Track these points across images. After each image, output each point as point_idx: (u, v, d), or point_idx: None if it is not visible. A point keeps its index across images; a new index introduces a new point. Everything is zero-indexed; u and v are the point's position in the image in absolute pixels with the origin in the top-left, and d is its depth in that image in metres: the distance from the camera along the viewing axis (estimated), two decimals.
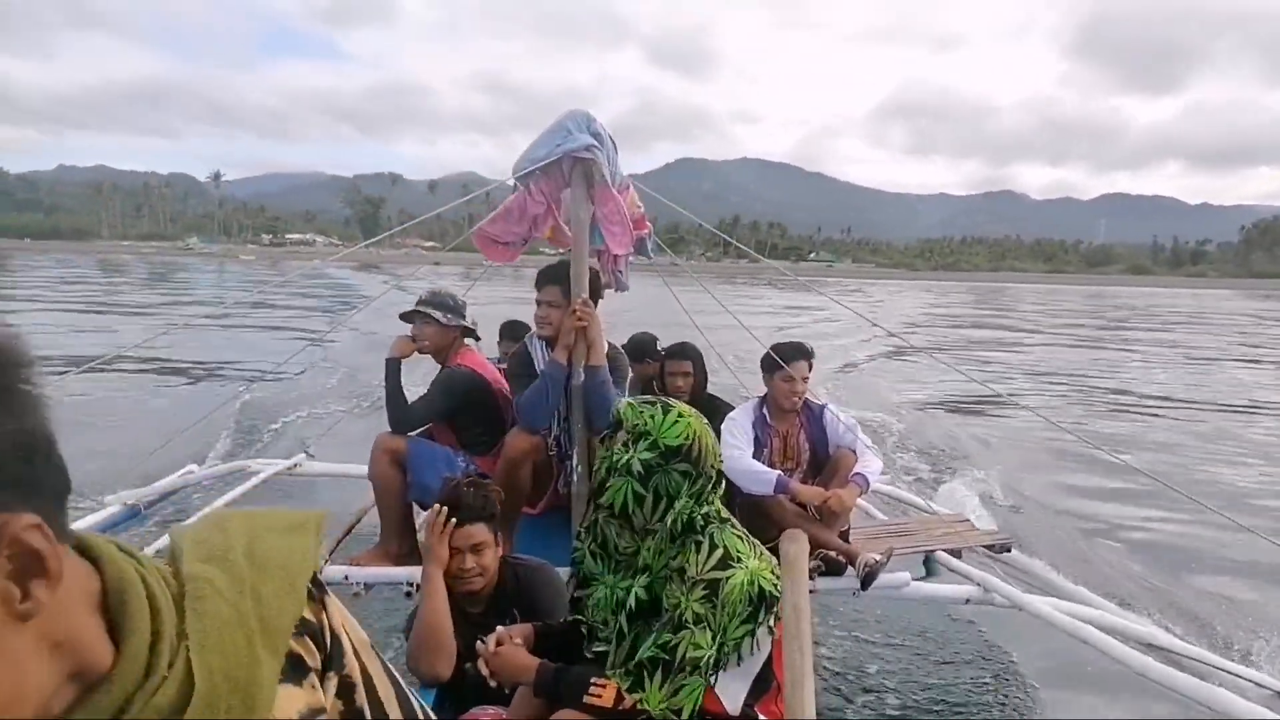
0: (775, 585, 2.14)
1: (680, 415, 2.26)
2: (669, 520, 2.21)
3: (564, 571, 3.10)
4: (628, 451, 2.22)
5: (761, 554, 2.25)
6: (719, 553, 2.18)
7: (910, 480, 6.70)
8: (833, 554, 4.19)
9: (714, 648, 2.11)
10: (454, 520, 2.70)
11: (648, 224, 4.14)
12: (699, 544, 2.20)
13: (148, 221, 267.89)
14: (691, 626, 2.12)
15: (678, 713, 2.10)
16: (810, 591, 4.12)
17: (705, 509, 2.25)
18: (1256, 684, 3.51)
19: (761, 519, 4.13)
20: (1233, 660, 3.84)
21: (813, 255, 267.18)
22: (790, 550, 1.99)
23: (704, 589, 2.14)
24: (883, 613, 4.81)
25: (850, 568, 4.19)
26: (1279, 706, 3.27)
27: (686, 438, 2.21)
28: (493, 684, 2.56)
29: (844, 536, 4.43)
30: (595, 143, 3.69)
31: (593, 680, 2.18)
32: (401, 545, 4.18)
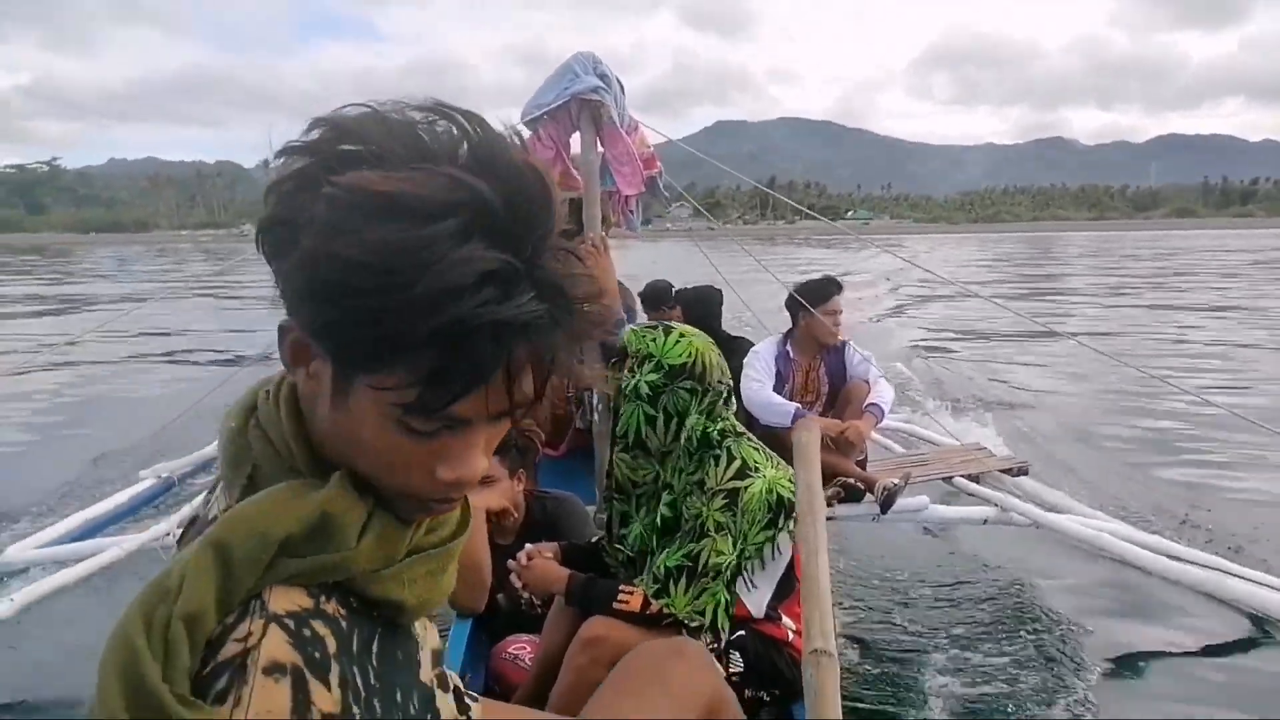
0: (793, 492, 2.17)
1: (682, 335, 2.29)
2: (683, 437, 2.26)
3: (590, 508, 3.17)
4: (634, 376, 2.26)
5: (779, 464, 2.28)
6: (737, 463, 2.22)
7: (934, 415, 6.65)
8: (851, 481, 4.23)
9: (736, 554, 2.17)
10: None
11: (658, 163, 4.15)
12: (717, 457, 2.24)
13: (201, 210, 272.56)
14: (713, 535, 2.16)
15: (702, 614, 2.15)
16: (830, 519, 4.18)
17: (720, 424, 2.29)
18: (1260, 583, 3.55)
19: (779, 451, 4.16)
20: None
21: (849, 213, 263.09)
22: (803, 437, 2.01)
23: (724, 498, 2.19)
24: (903, 541, 4.83)
25: (869, 494, 4.23)
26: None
27: (689, 355, 2.25)
28: (524, 598, 2.64)
29: (862, 467, 4.47)
30: (602, 84, 3.68)
31: (620, 587, 2.22)
32: None
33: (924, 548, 4.79)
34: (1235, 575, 3.67)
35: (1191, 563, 3.77)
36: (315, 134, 0.69)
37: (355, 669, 0.69)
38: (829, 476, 4.24)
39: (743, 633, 2.27)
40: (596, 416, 4.03)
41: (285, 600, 0.68)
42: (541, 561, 2.44)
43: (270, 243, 0.69)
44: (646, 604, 2.17)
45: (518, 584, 2.45)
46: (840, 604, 4.10)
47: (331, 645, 0.68)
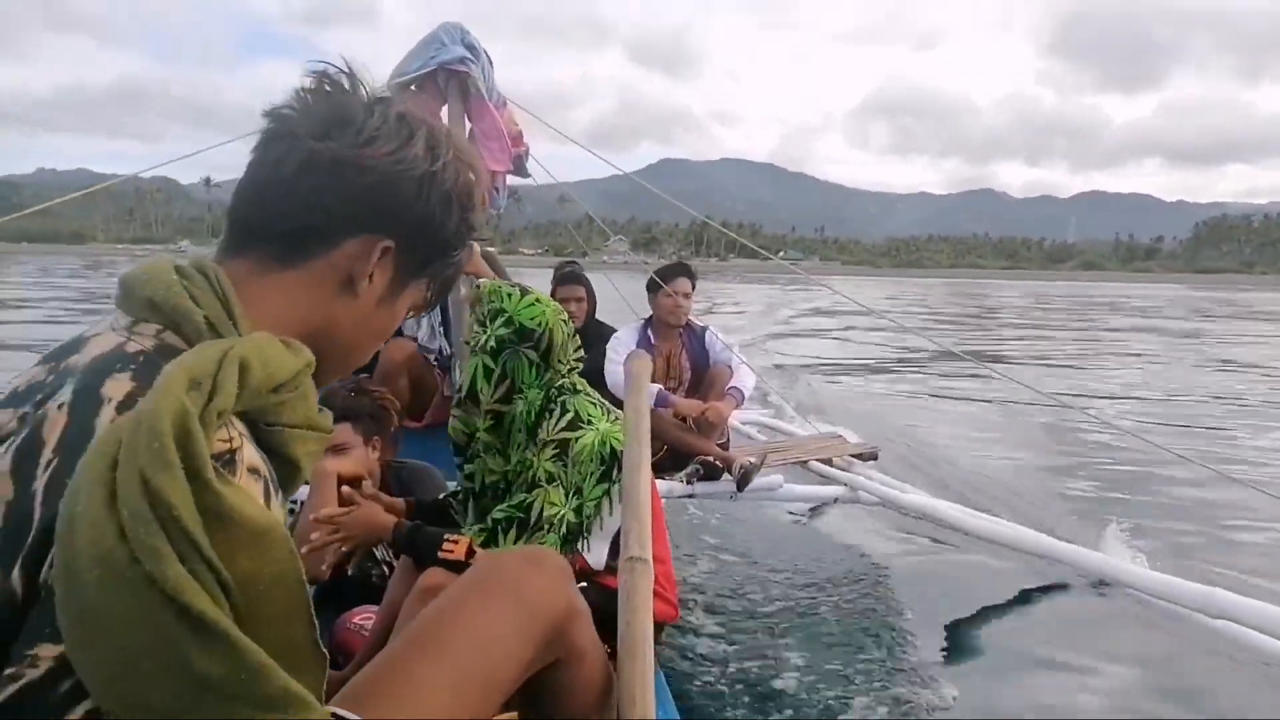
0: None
1: (538, 300, 2.25)
2: (521, 411, 2.20)
3: (451, 485, 3.09)
4: (484, 331, 2.22)
5: (615, 418, 2.22)
6: (569, 415, 2.17)
7: (795, 412, 6.83)
8: (710, 459, 4.26)
9: (569, 507, 2.11)
10: None
11: (525, 142, 4.15)
12: (550, 410, 2.20)
13: (139, 225, 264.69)
14: (545, 485, 2.11)
15: None
16: (689, 495, 4.23)
17: (560, 382, 2.25)
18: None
19: None
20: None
21: (781, 254, 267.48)
22: (634, 366, 2.01)
23: (554, 449, 2.14)
24: (759, 519, 4.91)
25: (727, 473, 4.26)
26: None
27: (540, 324, 2.20)
28: (374, 572, 2.54)
29: (723, 449, 4.50)
30: (469, 55, 3.65)
31: (445, 536, 2.13)
32: None
33: (778, 526, 4.87)
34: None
35: (1006, 527, 3.98)
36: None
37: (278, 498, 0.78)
38: (690, 456, 4.28)
39: (584, 585, 2.21)
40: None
41: (240, 425, 0.75)
42: (368, 508, 2.29)
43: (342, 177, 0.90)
44: (472, 552, 2.08)
45: (334, 539, 2.27)
46: (689, 577, 4.15)
47: (270, 470, 0.78)
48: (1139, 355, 17.85)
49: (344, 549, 2.33)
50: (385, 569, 2.68)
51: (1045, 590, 4.16)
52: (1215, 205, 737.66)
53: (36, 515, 0.69)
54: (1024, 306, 40.60)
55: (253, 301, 0.88)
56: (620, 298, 4.96)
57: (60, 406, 0.74)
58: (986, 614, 4.00)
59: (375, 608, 2.46)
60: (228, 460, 0.71)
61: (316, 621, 0.72)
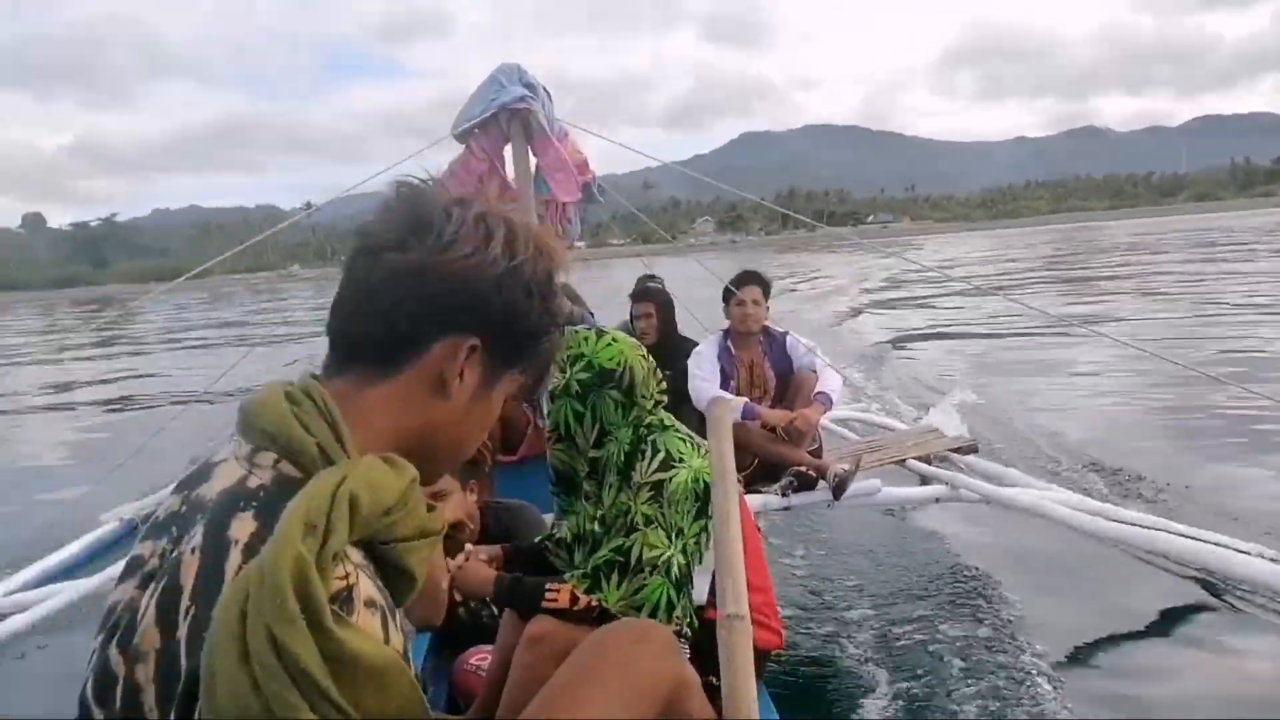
0: None
1: (614, 340, 2.25)
2: (613, 453, 2.22)
3: (549, 517, 3.14)
4: (564, 374, 2.23)
5: (705, 453, 2.17)
6: (661, 455, 2.17)
7: (889, 402, 6.61)
8: (804, 469, 4.19)
9: (675, 549, 2.11)
10: None
11: (591, 169, 4.16)
12: (643, 452, 2.20)
13: (250, 255, 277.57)
14: (643, 528, 2.11)
15: (639, 609, 2.08)
16: (786, 509, 4.17)
17: (648, 419, 2.25)
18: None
19: (733, 447, 4.15)
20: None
21: (870, 218, 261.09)
22: (714, 411, 2.01)
23: (650, 490, 2.13)
24: (858, 525, 4.79)
25: (822, 481, 4.19)
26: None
27: (618, 362, 2.21)
28: (485, 612, 2.60)
29: (816, 456, 4.43)
30: (529, 93, 3.69)
31: (548, 585, 2.16)
32: None
33: (880, 531, 4.75)
34: (1176, 534, 3.65)
35: (1134, 524, 3.74)
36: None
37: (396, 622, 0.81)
38: (782, 467, 4.22)
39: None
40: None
41: (355, 554, 0.79)
42: (473, 564, 2.36)
43: (469, 288, 0.94)
44: (575, 599, 2.10)
45: (447, 586, 2.33)
46: (789, 593, 4.06)
47: (386, 596, 0.81)
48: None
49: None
50: (494, 610, 2.73)
51: (1178, 597, 3.83)
52: None
53: (183, 665, 0.75)
54: (1129, 246, 37.73)
55: (358, 418, 0.90)
56: (710, 274, 4.85)
57: (194, 550, 0.79)
58: (1108, 626, 3.70)
59: (490, 647, 2.52)
60: (345, 598, 0.74)
61: (432, 685, 0.78)
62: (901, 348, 12.91)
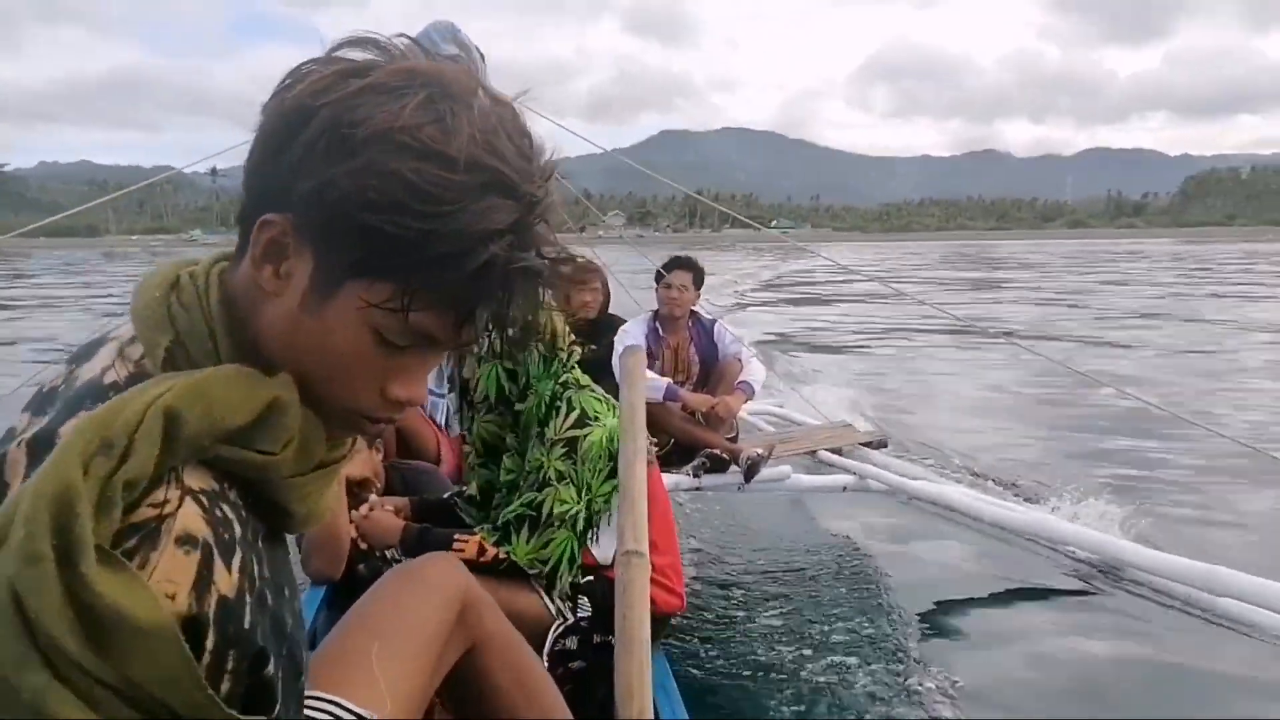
0: None
1: None
2: (533, 406, 2.19)
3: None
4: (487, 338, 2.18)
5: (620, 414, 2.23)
6: (576, 413, 2.15)
7: (803, 398, 6.79)
8: (717, 451, 4.21)
9: (582, 504, 2.09)
10: None
11: None
12: (558, 408, 2.18)
13: (149, 216, 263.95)
14: (555, 484, 2.09)
15: (545, 563, 2.07)
16: (697, 489, 4.19)
17: (563, 376, 2.23)
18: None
19: (651, 426, 4.12)
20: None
21: (774, 223, 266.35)
22: (628, 360, 1.98)
23: (563, 447, 2.12)
24: (764, 511, 4.88)
25: (734, 464, 4.22)
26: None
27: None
28: (363, 546, 2.54)
29: (731, 442, 4.46)
30: (460, 53, 3.57)
31: (456, 536, 2.12)
32: None
33: (786, 516, 4.84)
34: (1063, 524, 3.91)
35: (1025, 515, 3.98)
36: (349, 59, 0.70)
37: (253, 557, 0.66)
38: (697, 450, 4.24)
39: (591, 578, 2.20)
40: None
41: (198, 478, 0.64)
42: (379, 514, 2.33)
43: (277, 137, 0.69)
44: (483, 550, 2.08)
45: (355, 534, 2.33)
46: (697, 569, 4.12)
47: (236, 530, 0.65)
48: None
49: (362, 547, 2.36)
50: (394, 565, 2.66)
51: (1052, 575, 4.08)
52: (1221, 158, 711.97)
53: None
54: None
55: (239, 312, 0.73)
56: (609, 273, 4.89)
57: (20, 444, 0.66)
58: (996, 600, 3.96)
59: None
60: (148, 534, 0.59)
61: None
62: (790, 343, 13.25)
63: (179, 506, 0.61)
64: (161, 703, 0.58)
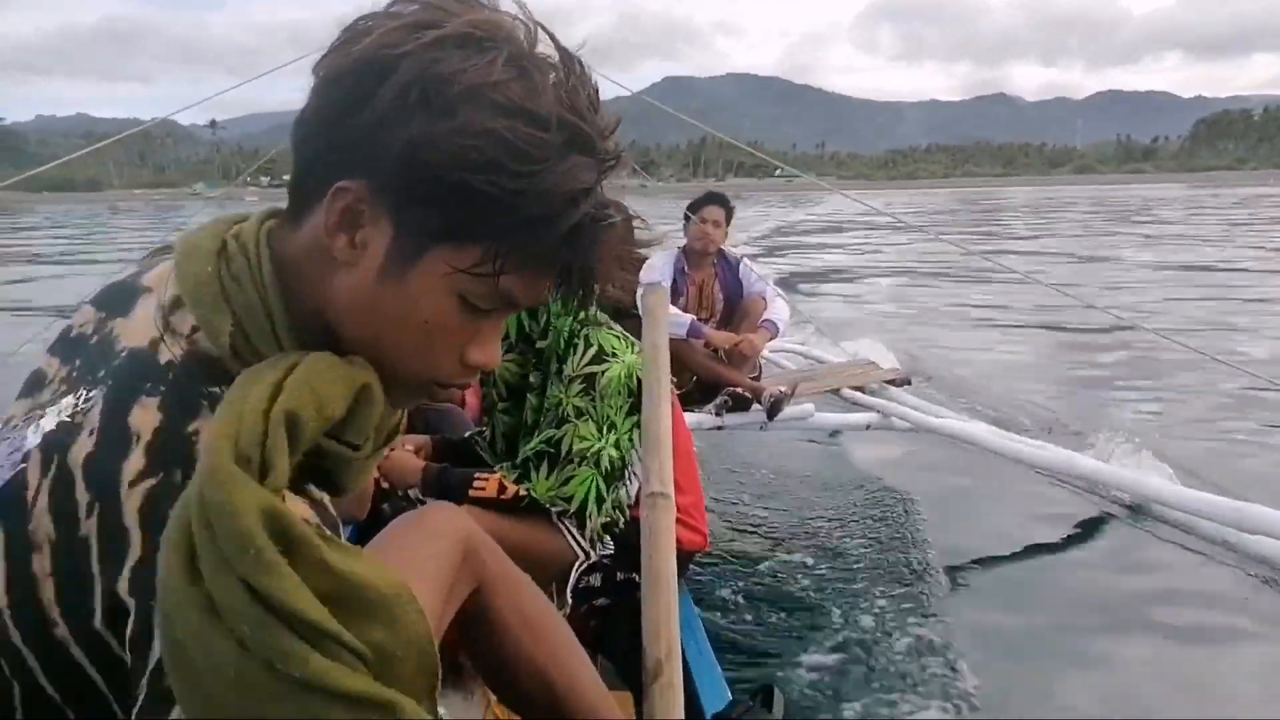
0: None
1: None
2: (554, 345, 2.12)
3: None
4: None
5: (639, 350, 2.09)
6: (594, 349, 2.07)
7: (827, 336, 6.76)
8: (739, 390, 4.17)
9: (606, 441, 2.03)
10: None
11: None
12: (575, 345, 2.10)
13: (150, 169, 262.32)
14: (574, 420, 2.03)
15: (568, 500, 2.01)
16: (719, 427, 4.16)
17: (582, 314, 2.14)
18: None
19: (674, 362, 4.07)
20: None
21: (778, 172, 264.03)
22: (649, 300, 1.94)
23: (581, 383, 2.05)
24: (789, 449, 4.86)
25: (757, 403, 4.18)
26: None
27: None
28: (384, 485, 2.53)
29: (754, 381, 4.42)
30: None
31: (475, 474, 2.07)
32: None
33: (811, 454, 4.82)
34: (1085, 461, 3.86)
35: (1048, 451, 3.93)
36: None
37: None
38: (720, 388, 4.20)
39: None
40: None
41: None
42: (400, 453, 2.27)
43: (348, 95, 0.65)
44: (503, 489, 2.02)
45: (378, 475, 2.27)
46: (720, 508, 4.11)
47: (320, 509, 0.67)
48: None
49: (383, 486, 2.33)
50: (419, 505, 2.66)
51: (1080, 512, 4.06)
52: (1236, 99, 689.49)
53: (96, 578, 0.62)
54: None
55: (290, 279, 0.70)
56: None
57: (90, 433, 0.65)
58: (1018, 540, 3.91)
59: None
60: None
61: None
62: (806, 284, 13.21)
63: (283, 499, 0.61)
64: (398, 664, 0.61)
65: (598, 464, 2.02)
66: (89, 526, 0.63)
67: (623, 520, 2.08)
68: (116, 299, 0.75)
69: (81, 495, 0.63)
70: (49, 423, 0.68)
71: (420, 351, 0.70)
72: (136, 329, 0.71)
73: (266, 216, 0.74)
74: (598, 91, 0.69)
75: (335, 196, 0.65)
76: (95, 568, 0.62)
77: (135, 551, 0.61)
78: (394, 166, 0.63)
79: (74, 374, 0.71)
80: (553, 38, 0.68)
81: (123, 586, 0.61)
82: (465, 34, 0.63)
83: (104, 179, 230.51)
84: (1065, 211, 41.10)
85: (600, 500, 2.03)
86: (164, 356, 0.68)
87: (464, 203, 0.63)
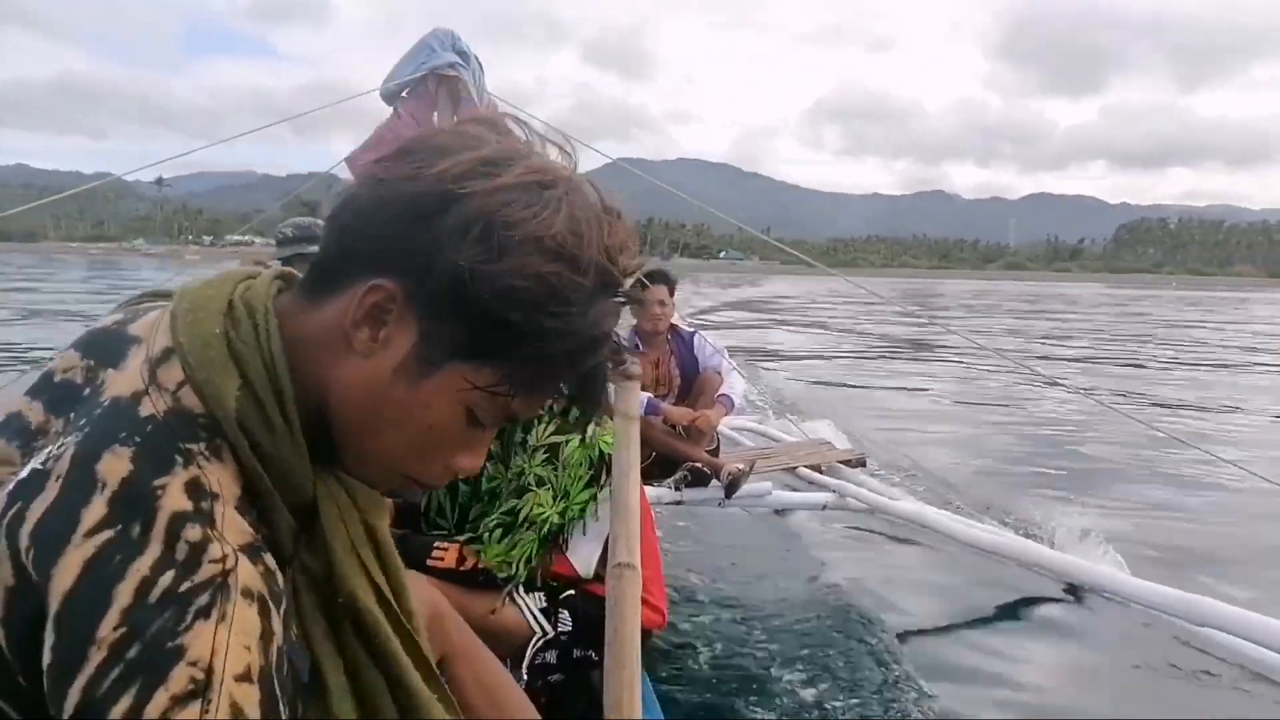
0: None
1: None
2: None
3: None
4: None
5: (603, 421, 2.06)
6: (558, 421, 2.04)
7: (783, 417, 6.78)
8: (699, 465, 4.13)
9: (556, 509, 1.98)
10: None
11: None
12: (540, 415, 2.04)
13: (89, 223, 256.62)
14: (535, 489, 1.99)
15: (510, 564, 1.94)
16: (678, 502, 4.10)
17: None
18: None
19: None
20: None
21: (721, 254, 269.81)
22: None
23: (545, 453, 2.01)
24: (745, 527, 4.82)
25: (715, 479, 4.13)
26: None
27: None
28: None
29: (713, 455, 4.38)
30: (460, 60, 3.52)
31: (435, 544, 1.99)
32: None
33: (767, 532, 4.78)
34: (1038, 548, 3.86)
35: (999, 536, 3.95)
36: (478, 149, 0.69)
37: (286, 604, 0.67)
38: (679, 463, 4.15)
39: (572, 592, 2.08)
40: None
41: (236, 527, 0.63)
42: None
43: (409, 209, 0.67)
44: (462, 559, 1.95)
45: None
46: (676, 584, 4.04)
47: (278, 579, 0.65)
48: None
49: None
50: None
51: (1029, 597, 4.13)
52: (1156, 207, 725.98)
53: (46, 635, 0.57)
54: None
55: (296, 352, 0.70)
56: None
57: (58, 479, 0.61)
58: (971, 621, 3.96)
59: None
60: (218, 588, 0.58)
61: None
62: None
63: (236, 562, 0.60)
64: None
65: (541, 529, 1.98)
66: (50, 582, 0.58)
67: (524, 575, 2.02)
68: (105, 347, 0.72)
69: (24, 542, 0.59)
70: (24, 471, 0.64)
71: (414, 451, 0.72)
72: (123, 381, 0.68)
73: (276, 276, 0.75)
74: (630, 233, 0.72)
75: (370, 292, 0.67)
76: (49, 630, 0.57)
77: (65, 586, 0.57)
78: (438, 284, 0.65)
79: (68, 425, 0.68)
80: (592, 183, 0.72)
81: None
82: (526, 180, 0.67)
83: (40, 231, 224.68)
84: (999, 304, 42.71)
85: (528, 562, 1.97)
86: (145, 410, 0.65)
87: (497, 330, 0.66)
